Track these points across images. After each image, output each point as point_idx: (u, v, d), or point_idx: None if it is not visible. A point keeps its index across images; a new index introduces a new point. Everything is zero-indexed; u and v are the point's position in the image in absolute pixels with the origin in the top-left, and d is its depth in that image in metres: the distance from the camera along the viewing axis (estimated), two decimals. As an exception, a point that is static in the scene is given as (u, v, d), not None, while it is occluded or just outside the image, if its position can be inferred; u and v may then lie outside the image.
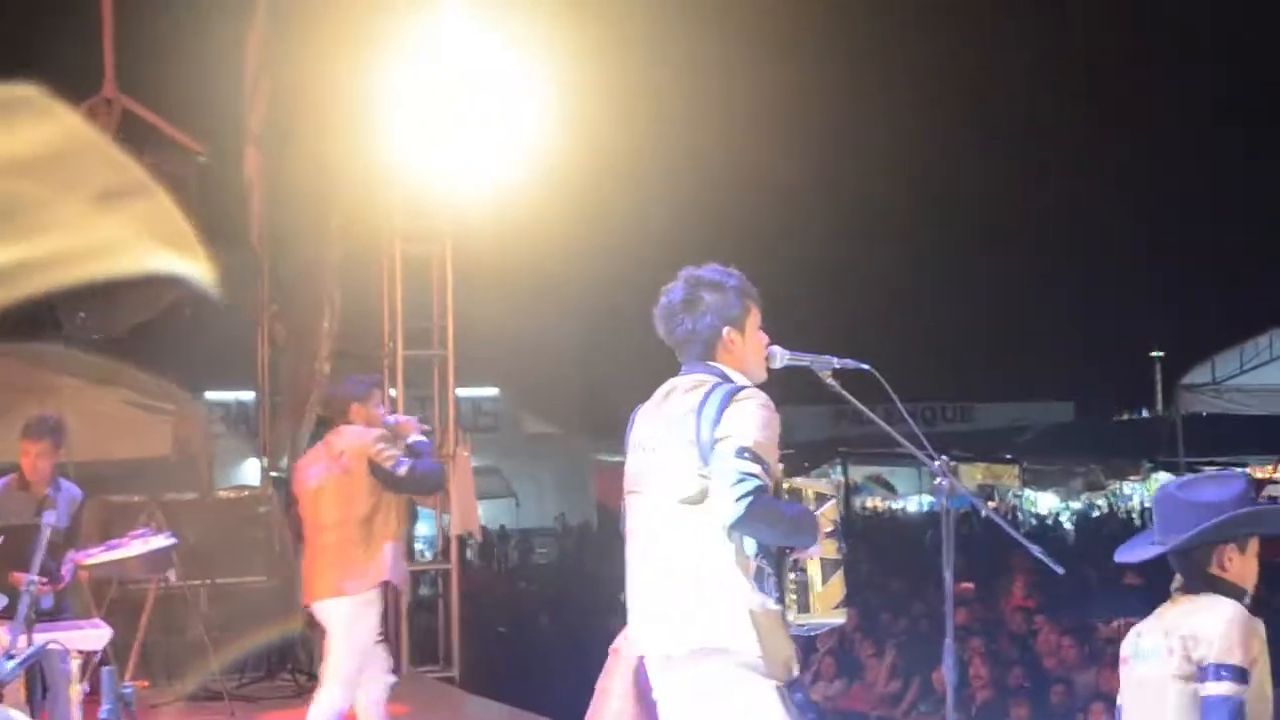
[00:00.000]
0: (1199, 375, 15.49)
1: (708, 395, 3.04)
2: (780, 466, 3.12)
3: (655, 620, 3.13)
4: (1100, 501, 21.61)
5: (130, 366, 9.06)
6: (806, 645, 6.52)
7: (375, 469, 5.04)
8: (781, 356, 3.23)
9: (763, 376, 3.26)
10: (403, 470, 5.05)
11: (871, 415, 3.38)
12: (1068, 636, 7.90)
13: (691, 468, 3.02)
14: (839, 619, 3.23)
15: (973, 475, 20.08)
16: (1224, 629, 2.78)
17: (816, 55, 24.12)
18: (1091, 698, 7.00)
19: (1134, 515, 19.63)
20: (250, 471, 11.38)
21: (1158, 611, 3.00)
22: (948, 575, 3.19)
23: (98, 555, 5.27)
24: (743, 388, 3.10)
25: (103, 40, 8.42)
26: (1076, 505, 21.53)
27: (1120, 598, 8.44)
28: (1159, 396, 24.89)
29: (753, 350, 3.23)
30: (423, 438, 5.49)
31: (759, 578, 3.02)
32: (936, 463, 3.27)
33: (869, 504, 24.04)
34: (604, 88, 9.77)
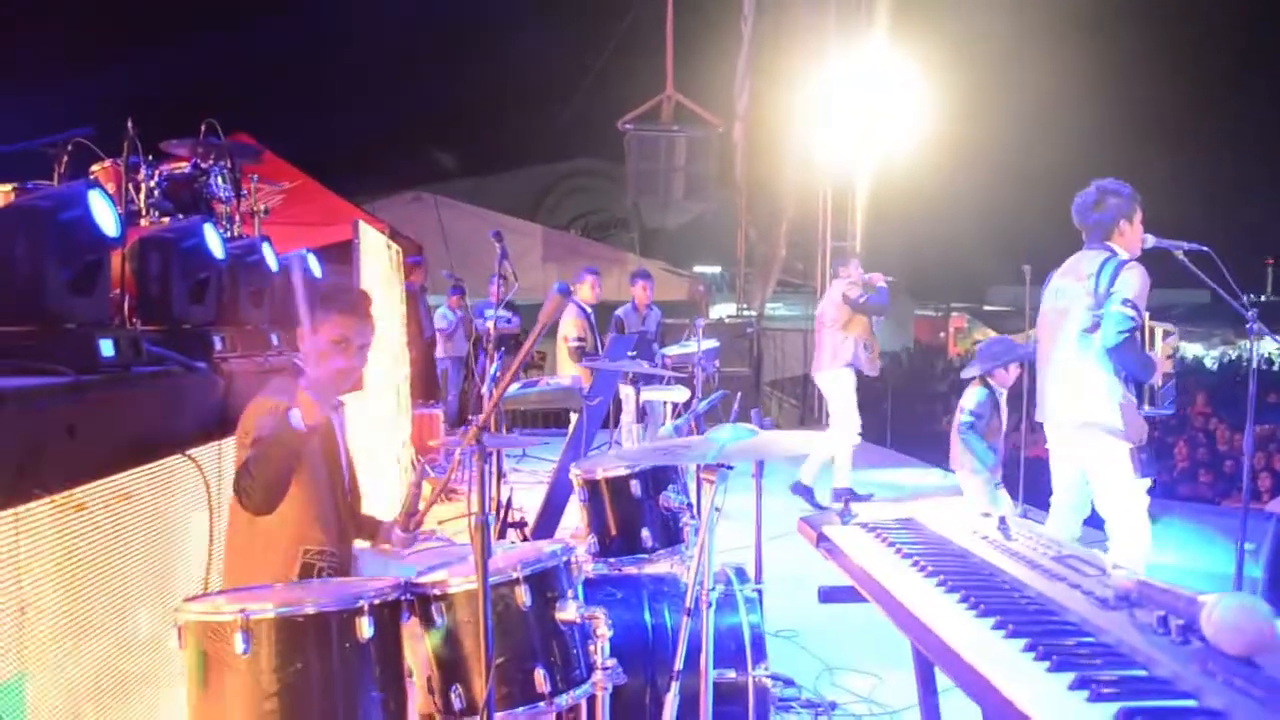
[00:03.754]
0: None
1: (1105, 263, 4.38)
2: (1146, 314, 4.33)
3: (1061, 401, 4.56)
4: (1232, 352, 29.71)
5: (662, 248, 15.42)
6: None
7: (846, 298, 8.63)
8: (1152, 240, 4.59)
9: (1139, 253, 4.48)
10: (862, 301, 8.58)
11: (1204, 279, 4.65)
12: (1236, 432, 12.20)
13: (1091, 309, 4.39)
14: (1168, 411, 4.72)
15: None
16: None
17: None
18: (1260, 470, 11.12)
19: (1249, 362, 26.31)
20: (725, 310, 17.34)
21: None
22: (1252, 388, 4.82)
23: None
24: (1129, 260, 4.39)
25: (666, 56, 14.39)
26: (1214, 353, 29.32)
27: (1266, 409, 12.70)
28: (1269, 287, 35.41)
29: (1135, 237, 4.49)
30: (884, 284, 8.76)
31: (1125, 381, 4.37)
32: (1250, 314, 4.82)
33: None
34: (963, 88, 14.12)
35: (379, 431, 6.43)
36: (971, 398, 6.21)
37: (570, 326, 8.84)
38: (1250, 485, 9.58)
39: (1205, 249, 4.61)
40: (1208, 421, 13.09)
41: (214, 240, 4.29)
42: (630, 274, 10.26)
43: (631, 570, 3.58)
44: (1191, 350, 30.89)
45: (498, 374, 4.37)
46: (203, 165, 5.60)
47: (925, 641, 1.71)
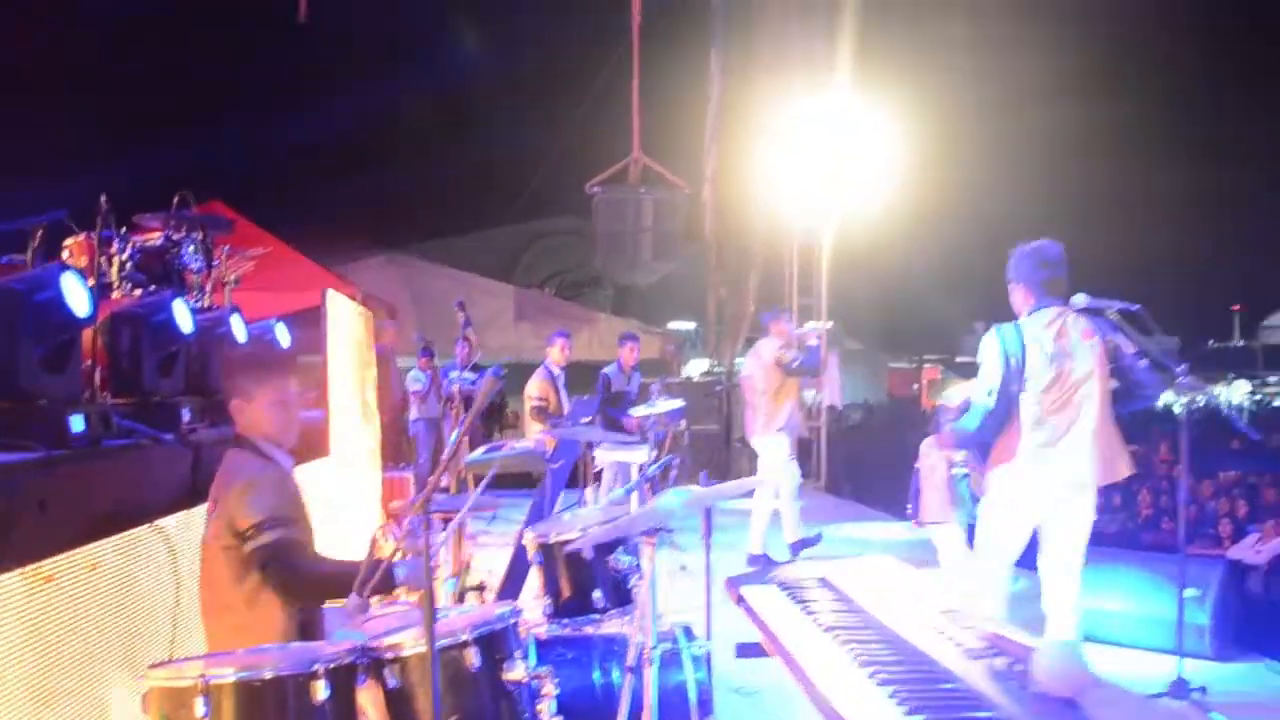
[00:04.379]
0: (1275, 319, 25.76)
1: (1096, 320, 4.65)
2: None
3: (1092, 464, 4.58)
4: (1200, 400, 30.76)
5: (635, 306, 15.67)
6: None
7: (779, 363, 8.93)
8: (1085, 299, 4.70)
9: None
10: (795, 365, 8.87)
11: (1135, 335, 4.70)
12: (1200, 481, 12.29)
13: (1106, 369, 4.61)
14: None
15: None
16: None
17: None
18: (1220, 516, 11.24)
19: (1220, 408, 28.79)
20: (699, 367, 17.56)
21: None
22: (1185, 437, 5.07)
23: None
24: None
25: (632, 121, 14.71)
26: (1183, 401, 29.63)
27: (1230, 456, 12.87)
28: (1235, 334, 36.14)
29: None
30: (815, 342, 8.98)
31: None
32: (1180, 368, 4.93)
33: None
34: (930, 140, 14.54)
35: (348, 495, 6.55)
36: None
37: (534, 387, 9.03)
38: (1195, 532, 9.74)
39: (1136, 308, 4.74)
40: (1171, 469, 13.21)
41: (183, 314, 4.45)
42: (619, 335, 10.52)
43: (589, 630, 3.71)
44: (1161, 399, 32.27)
45: (455, 441, 4.52)
46: (174, 237, 5.77)
47: (805, 688, 1.88)
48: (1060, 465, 4.55)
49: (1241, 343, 39.07)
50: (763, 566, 2.42)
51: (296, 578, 3.14)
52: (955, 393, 4.83)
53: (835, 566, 2.67)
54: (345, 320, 7.11)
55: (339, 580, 2.91)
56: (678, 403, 9.01)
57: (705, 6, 15.28)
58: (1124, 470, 4.70)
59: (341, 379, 6.61)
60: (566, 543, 3.56)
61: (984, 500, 4.80)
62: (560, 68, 20.23)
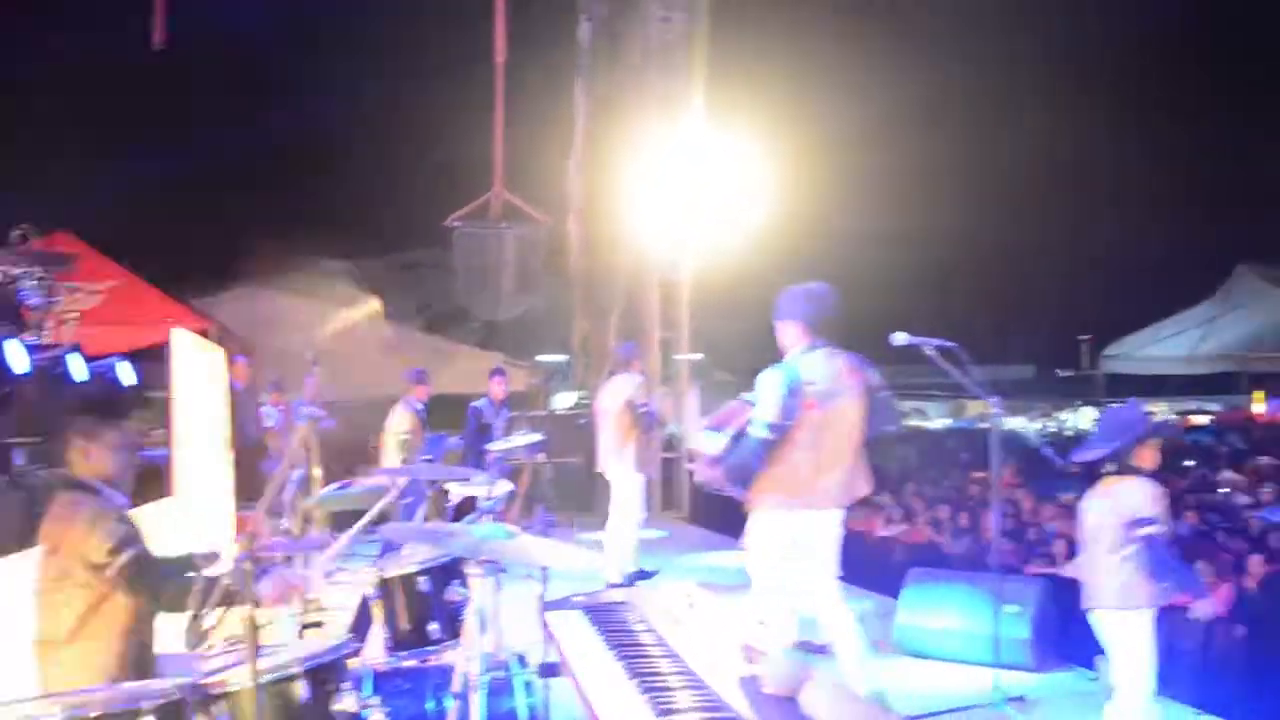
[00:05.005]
0: (1114, 349, 27.25)
1: (855, 358, 5.08)
2: None
3: (861, 486, 5.11)
4: (1052, 425, 33.00)
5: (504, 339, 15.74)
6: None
7: (629, 404, 8.96)
8: (905, 337, 5.11)
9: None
10: (639, 415, 8.89)
11: (950, 369, 5.20)
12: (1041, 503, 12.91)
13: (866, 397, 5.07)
14: None
15: (975, 407, 32.33)
16: (1143, 497, 4.42)
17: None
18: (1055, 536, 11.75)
19: (1070, 431, 30.60)
20: (569, 399, 17.62)
21: (1100, 487, 4.60)
22: (994, 463, 5.34)
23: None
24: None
25: (493, 154, 14.79)
26: (1035, 425, 31.16)
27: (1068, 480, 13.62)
28: (1084, 362, 39.96)
29: None
30: (652, 407, 9.27)
31: None
32: (993, 400, 5.30)
33: (912, 422, 36.08)
34: (787, 170, 14.96)
35: (194, 534, 6.47)
36: None
37: (400, 421, 9.06)
38: (1032, 551, 10.25)
39: (953, 345, 5.12)
40: (1014, 492, 13.80)
41: (15, 354, 4.41)
42: (489, 369, 10.57)
43: (434, 661, 3.82)
44: (1013, 423, 33.46)
45: (302, 479, 4.58)
46: (12, 273, 5.68)
47: (582, 701, 2.06)
48: (822, 492, 4.94)
49: (1089, 371, 41.47)
50: (576, 594, 2.59)
51: (166, 583, 3.27)
52: (707, 439, 5.15)
53: (640, 591, 2.87)
54: (194, 358, 7.04)
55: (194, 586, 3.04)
56: (535, 436, 9.20)
57: (571, 41, 15.54)
58: (864, 489, 5.14)
59: (189, 417, 6.54)
60: (404, 576, 3.68)
61: (757, 529, 5.13)
62: (426, 100, 20.31)
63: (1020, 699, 5.47)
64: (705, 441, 5.10)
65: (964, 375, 5.18)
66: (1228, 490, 12.97)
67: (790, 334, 5.14)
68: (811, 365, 4.99)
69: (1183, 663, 6.60)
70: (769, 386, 4.89)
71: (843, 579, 5.01)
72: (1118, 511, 4.47)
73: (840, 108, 23.54)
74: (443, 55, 17.89)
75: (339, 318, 15.72)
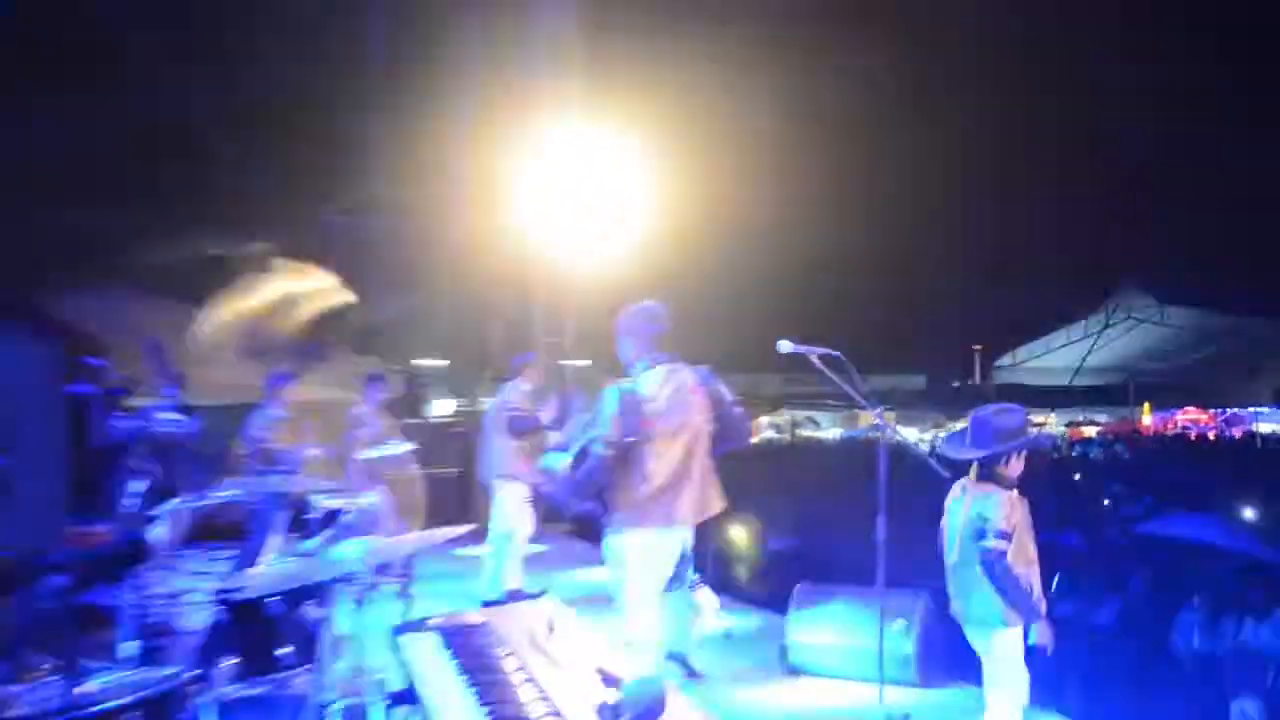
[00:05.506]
0: (1007, 359, 28.86)
1: (701, 372, 5.21)
2: None
3: (687, 494, 5.08)
4: (941, 435, 34.29)
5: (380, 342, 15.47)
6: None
7: (507, 411, 8.89)
8: (790, 346, 5.15)
9: None
10: (512, 423, 8.65)
11: (837, 379, 5.14)
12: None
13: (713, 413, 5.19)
14: None
15: (867, 417, 34.36)
16: (996, 510, 4.43)
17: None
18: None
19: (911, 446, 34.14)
20: (448, 406, 17.40)
21: (962, 485, 4.65)
22: (882, 475, 5.17)
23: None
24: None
25: (373, 147, 14.51)
26: (927, 436, 32.22)
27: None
28: (977, 372, 41.79)
29: None
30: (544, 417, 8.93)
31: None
32: (876, 410, 5.34)
33: (803, 433, 38.22)
34: (668, 166, 15.05)
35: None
36: None
37: (262, 428, 8.81)
38: (924, 567, 10.50)
39: (837, 354, 5.19)
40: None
41: None
42: (364, 375, 10.35)
43: (287, 689, 3.68)
44: (907, 433, 34.40)
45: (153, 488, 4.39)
46: None
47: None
48: (664, 510, 5.00)
49: (980, 381, 42.85)
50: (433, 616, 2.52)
51: None
52: (553, 458, 5.29)
53: (501, 612, 2.80)
54: (30, 361, 6.72)
55: None
56: (406, 446, 9.01)
57: (457, 35, 15.37)
58: (715, 506, 5.20)
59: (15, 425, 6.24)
60: (254, 596, 3.54)
61: (611, 547, 5.16)
62: (302, 93, 19.82)
63: (906, 717, 5.55)
64: (551, 460, 5.20)
65: (849, 385, 5.21)
66: (1114, 501, 13.42)
67: (630, 351, 5.23)
68: (651, 382, 5.08)
69: (1070, 675, 6.82)
70: (607, 404, 4.95)
71: (733, 595, 5.05)
72: (970, 521, 4.52)
73: (734, 114, 23.83)
74: (320, 45, 17.53)
75: (202, 318, 15.22)
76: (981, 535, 4.44)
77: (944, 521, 4.74)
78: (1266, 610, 7.83)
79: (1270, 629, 7.75)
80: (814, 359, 5.19)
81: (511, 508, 8.72)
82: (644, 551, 5.04)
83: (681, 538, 5.12)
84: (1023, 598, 4.44)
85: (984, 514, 4.46)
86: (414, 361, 18.86)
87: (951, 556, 4.65)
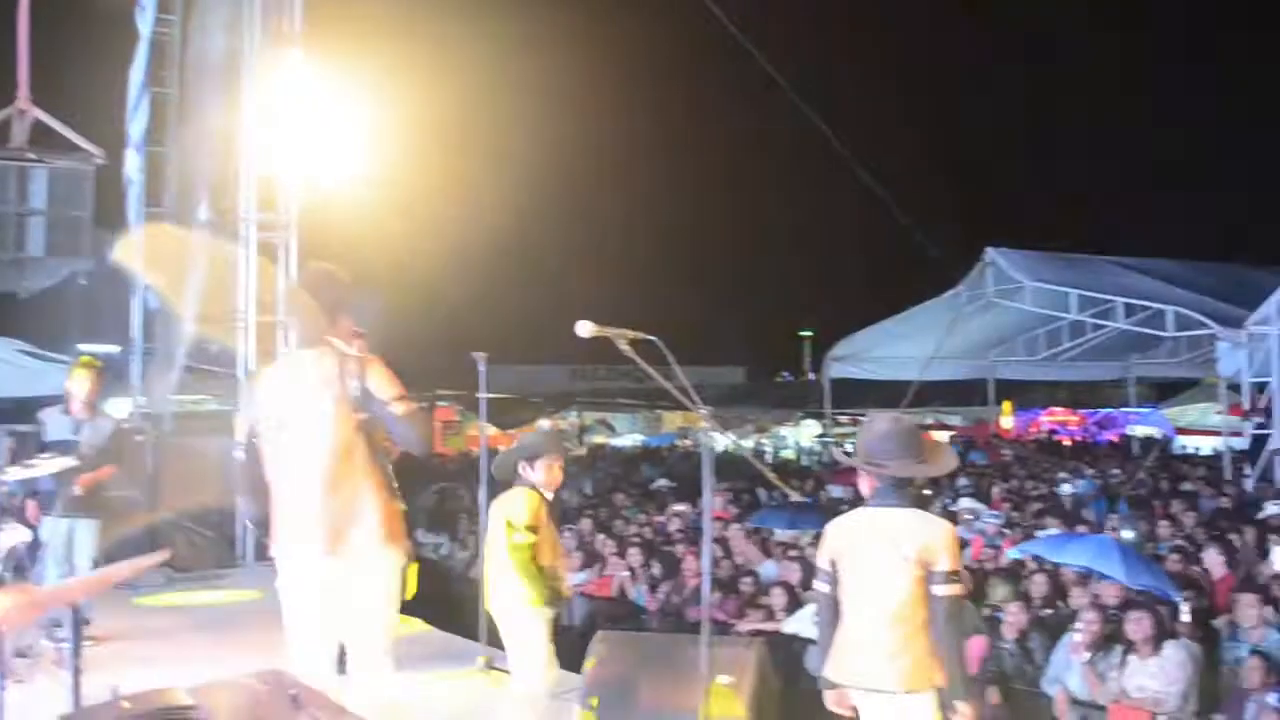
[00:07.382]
0: (842, 349, 28.27)
1: (351, 361, 5.08)
2: None
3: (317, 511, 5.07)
4: (767, 442, 36.86)
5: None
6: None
7: None
8: (593, 327, 4.78)
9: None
10: None
11: (651, 372, 5.05)
12: (751, 540, 13.18)
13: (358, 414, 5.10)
14: None
15: (673, 420, 37.24)
16: (940, 541, 4.57)
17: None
18: (771, 583, 11.71)
19: (789, 451, 35.57)
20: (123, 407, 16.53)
21: (863, 517, 4.79)
22: (707, 492, 5.07)
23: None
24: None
25: (17, 56, 13.55)
26: (748, 443, 34.00)
27: (790, 513, 14.25)
28: (806, 364, 45.44)
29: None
30: None
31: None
32: (703, 410, 5.03)
33: (595, 439, 38.78)
34: (412, 108, 15.00)
35: None
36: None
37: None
38: (749, 604, 10.51)
39: (653, 339, 4.98)
40: (726, 527, 13.66)
41: None
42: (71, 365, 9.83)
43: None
44: (721, 440, 34.22)
45: None
46: None
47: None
48: (291, 530, 4.98)
49: (811, 376, 43.17)
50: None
51: None
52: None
53: (219, 687, 2.56)
54: None
55: None
56: (69, 461, 8.46)
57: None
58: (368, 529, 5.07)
59: None
60: None
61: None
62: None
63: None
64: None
65: (667, 379, 5.03)
66: (970, 519, 13.81)
67: (340, 326, 5.18)
68: (270, 375, 5.19)
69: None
70: (244, 399, 5.13)
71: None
72: (903, 556, 4.48)
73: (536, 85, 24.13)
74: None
75: None
76: (931, 578, 4.50)
77: (837, 554, 4.85)
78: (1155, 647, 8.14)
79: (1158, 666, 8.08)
80: (623, 345, 4.91)
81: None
82: (289, 576, 5.01)
83: (312, 560, 4.94)
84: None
85: (922, 545, 4.51)
86: (79, 347, 17.83)
87: (854, 600, 4.74)
